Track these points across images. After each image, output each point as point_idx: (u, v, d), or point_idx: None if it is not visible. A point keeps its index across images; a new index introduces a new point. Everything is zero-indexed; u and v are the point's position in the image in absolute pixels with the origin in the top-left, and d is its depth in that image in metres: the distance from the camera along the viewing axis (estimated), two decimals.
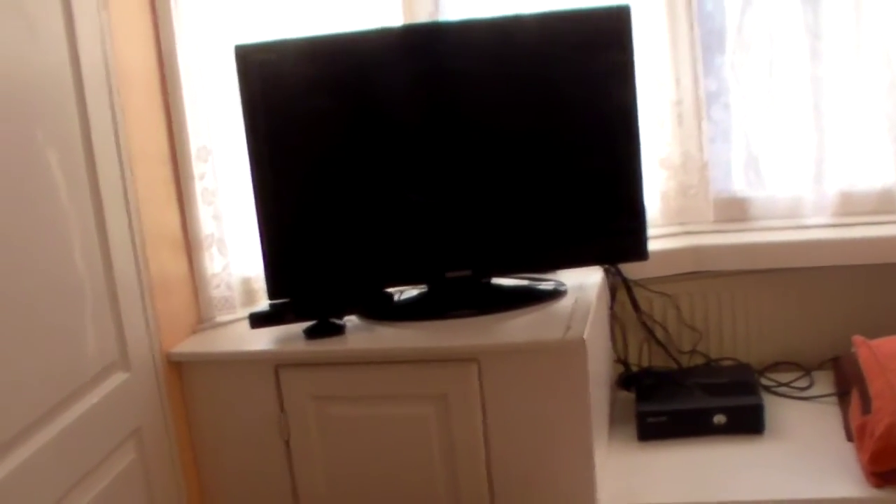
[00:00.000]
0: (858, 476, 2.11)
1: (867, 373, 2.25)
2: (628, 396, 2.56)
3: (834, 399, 2.46)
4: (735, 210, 2.73)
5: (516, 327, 2.23)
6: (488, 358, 2.15)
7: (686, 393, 2.45)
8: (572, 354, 2.10)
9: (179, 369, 2.32)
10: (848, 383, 2.38)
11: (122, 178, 2.11)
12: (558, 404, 2.13)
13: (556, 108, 2.33)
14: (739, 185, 2.72)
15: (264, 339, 2.31)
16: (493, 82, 2.33)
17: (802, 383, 2.58)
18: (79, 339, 1.94)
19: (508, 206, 2.35)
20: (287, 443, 2.29)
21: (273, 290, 2.36)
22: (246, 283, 2.54)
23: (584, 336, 2.09)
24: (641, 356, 2.74)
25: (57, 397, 1.86)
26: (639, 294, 2.69)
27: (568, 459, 2.15)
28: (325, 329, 2.30)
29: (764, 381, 2.58)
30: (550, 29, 2.31)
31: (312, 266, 2.38)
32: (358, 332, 2.31)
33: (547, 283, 2.48)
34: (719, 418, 2.36)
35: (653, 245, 2.56)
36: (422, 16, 2.61)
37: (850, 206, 2.64)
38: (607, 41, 2.29)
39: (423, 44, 2.33)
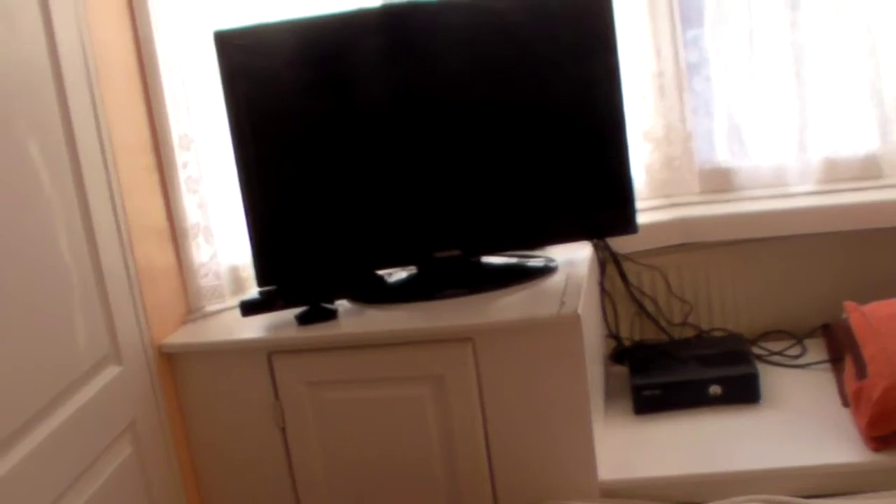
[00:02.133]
0: (857, 441, 2.11)
1: (860, 338, 2.25)
2: (622, 371, 2.56)
3: (827, 366, 2.47)
4: (720, 180, 2.73)
5: (509, 305, 2.21)
6: (483, 337, 2.14)
7: (680, 365, 2.45)
8: (568, 330, 2.09)
9: (171, 361, 2.29)
10: (841, 349, 2.39)
11: (105, 167, 2.08)
12: (555, 380, 2.12)
13: (539, 84, 2.32)
14: (723, 156, 2.71)
15: (256, 327, 2.29)
16: (474, 60, 2.31)
17: (795, 351, 2.58)
18: (70, 334, 1.91)
19: (495, 184, 2.34)
20: (283, 430, 2.27)
21: (262, 277, 2.34)
22: (234, 272, 2.52)
23: (579, 311, 2.09)
24: (633, 330, 2.74)
25: (51, 393, 1.83)
26: (628, 268, 2.68)
27: (567, 435, 2.14)
28: (316, 314, 2.28)
29: (756, 351, 2.58)
30: (531, 5, 2.29)
31: (301, 251, 2.35)
32: (350, 317, 2.29)
33: (537, 259, 2.47)
34: (715, 389, 2.36)
35: (640, 218, 2.54)
36: None
37: (834, 172, 2.64)
38: (588, 15, 2.28)
39: (403, 23, 2.31)
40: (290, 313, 2.30)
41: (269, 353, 2.23)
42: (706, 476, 2.12)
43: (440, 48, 2.31)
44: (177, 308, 2.37)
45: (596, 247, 2.58)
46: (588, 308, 2.29)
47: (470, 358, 2.14)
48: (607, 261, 2.65)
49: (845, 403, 2.26)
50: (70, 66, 1.99)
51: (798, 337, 2.64)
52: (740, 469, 2.11)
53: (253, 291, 2.36)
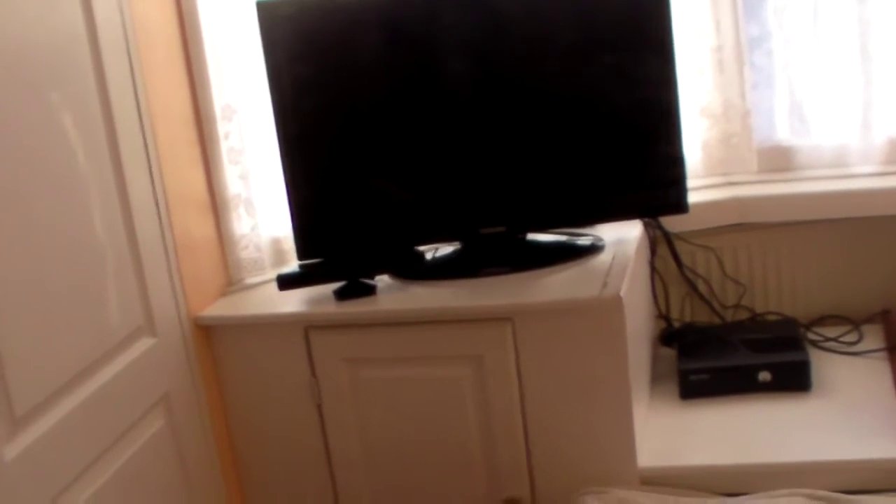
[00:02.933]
0: None
1: None
2: (670, 353, 2.49)
3: (884, 354, 2.39)
4: (779, 159, 2.64)
5: (552, 285, 2.17)
6: (522, 317, 2.09)
7: (729, 349, 2.38)
8: (609, 312, 2.04)
9: (208, 333, 2.28)
10: None
11: (143, 138, 2.07)
12: (596, 363, 2.07)
13: (591, 59, 2.27)
14: (783, 134, 2.62)
15: (294, 301, 2.27)
16: (526, 37, 2.27)
17: (851, 338, 2.50)
18: (102, 305, 1.91)
19: (543, 159, 2.29)
20: (319, 407, 2.25)
21: (302, 250, 2.32)
22: (276, 244, 2.49)
23: (622, 293, 2.03)
24: (684, 311, 2.67)
25: (82, 364, 1.83)
26: (680, 248, 2.61)
27: (606, 420, 2.10)
28: (355, 290, 2.25)
29: (811, 336, 2.51)
30: None
31: (342, 225, 2.33)
32: (389, 293, 2.26)
33: (584, 238, 2.41)
34: (764, 375, 2.29)
35: (694, 197, 2.49)
36: None
37: None
38: None
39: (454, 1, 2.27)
40: (328, 288, 2.27)
41: (306, 327, 2.21)
42: (747, 467, 2.07)
43: (490, 26, 2.26)
44: (216, 280, 2.36)
45: (647, 226, 2.52)
46: (635, 289, 2.24)
47: (509, 338, 2.10)
48: (659, 240, 2.58)
49: None
50: (108, 37, 1.98)
51: (856, 323, 2.55)
52: (784, 461, 2.05)
53: (294, 265, 2.33)
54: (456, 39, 2.27)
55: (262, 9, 2.23)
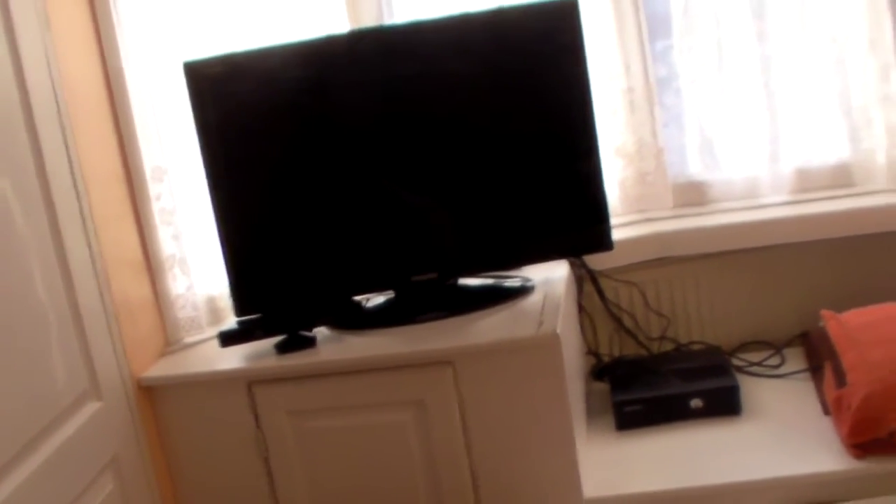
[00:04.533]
0: (839, 449, 2.12)
1: (839, 346, 2.26)
2: (603, 387, 2.55)
3: (807, 375, 2.47)
4: (693, 194, 2.73)
5: (488, 327, 2.21)
6: (463, 359, 2.13)
7: (660, 380, 2.45)
8: (547, 349, 2.10)
9: (151, 394, 2.28)
10: (819, 358, 2.39)
11: (79, 201, 2.08)
12: (537, 400, 2.12)
13: (510, 104, 2.32)
14: (696, 169, 2.72)
15: (235, 357, 2.28)
16: (445, 83, 2.32)
17: (774, 361, 2.58)
18: (48, 370, 1.91)
19: (470, 206, 2.34)
20: (266, 459, 2.26)
21: (240, 306, 2.33)
22: (211, 302, 2.51)
23: (558, 330, 2.09)
24: (612, 346, 2.73)
25: (30, 432, 1.82)
26: (605, 284, 2.68)
27: (551, 455, 2.14)
28: (295, 342, 2.27)
29: (735, 362, 2.58)
30: (500, 26, 2.30)
31: (278, 280, 2.35)
32: (329, 343, 2.29)
33: (514, 280, 2.47)
34: (696, 402, 2.36)
35: (615, 234, 2.55)
36: (367, 20, 2.59)
37: (806, 182, 2.65)
38: (557, 35, 2.29)
39: (373, 48, 2.32)
40: (269, 342, 2.29)
41: (249, 382, 2.22)
42: (690, 490, 2.12)
43: (409, 72, 2.31)
44: (155, 341, 2.36)
45: (572, 265, 2.58)
46: (566, 326, 2.29)
47: (450, 381, 2.14)
48: (584, 278, 2.64)
49: (826, 412, 2.27)
50: (40, 99, 1.99)
51: (777, 347, 2.64)
52: (723, 482, 2.11)
53: (231, 321, 2.35)
54: (378, 89, 2.31)
55: (189, 68, 2.26)
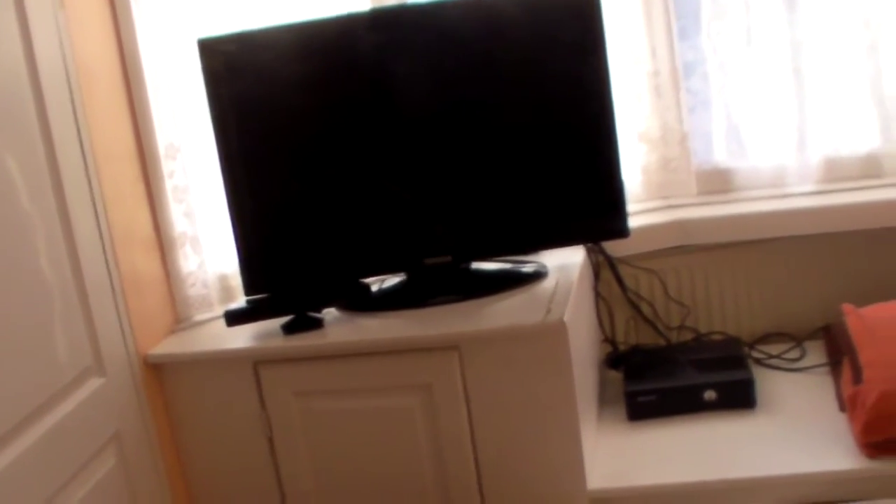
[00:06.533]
0: (852, 447, 2.07)
1: (857, 342, 2.21)
2: (617, 376, 2.53)
3: (826, 369, 2.43)
4: (718, 181, 2.69)
5: (497, 312, 2.19)
6: (469, 345, 2.11)
7: (675, 370, 2.42)
8: (553, 337, 2.07)
9: (158, 371, 2.28)
10: (839, 352, 2.35)
11: (87, 178, 2.08)
12: (542, 388, 2.09)
13: (528, 87, 2.29)
14: (721, 156, 2.68)
15: (242, 337, 2.27)
16: (463, 64, 2.29)
17: (794, 354, 2.54)
18: (50, 346, 1.91)
19: (486, 189, 2.32)
20: (270, 440, 2.25)
21: (249, 285, 2.33)
22: (223, 280, 2.51)
23: (565, 318, 2.06)
24: (629, 334, 2.70)
25: (31, 406, 1.82)
26: (624, 271, 2.65)
27: (555, 443, 2.11)
28: (303, 323, 2.26)
29: (755, 354, 2.55)
30: (521, 9, 2.26)
31: (288, 260, 2.34)
32: (337, 325, 2.28)
33: (528, 265, 2.44)
34: (710, 394, 2.32)
35: (636, 220, 2.53)
36: None
37: (834, 172, 2.60)
38: (577, 16, 2.25)
39: (391, 28, 2.29)
40: (277, 322, 2.28)
41: (255, 362, 2.22)
42: (698, 484, 2.09)
43: (429, 52, 2.29)
44: (164, 318, 2.36)
45: (590, 251, 2.55)
46: (580, 313, 2.26)
47: (456, 366, 2.12)
48: (602, 265, 2.61)
49: (842, 408, 2.22)
50: (50, 77, 1.98)
51: (798, 339, 2.60)
52: (733, 477, 2.07)
53: (241, 300, 2.34)
54: (398, 70, 2.29)
55: (203, 45, 2.25)
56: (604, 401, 2.49)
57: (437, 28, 2.29)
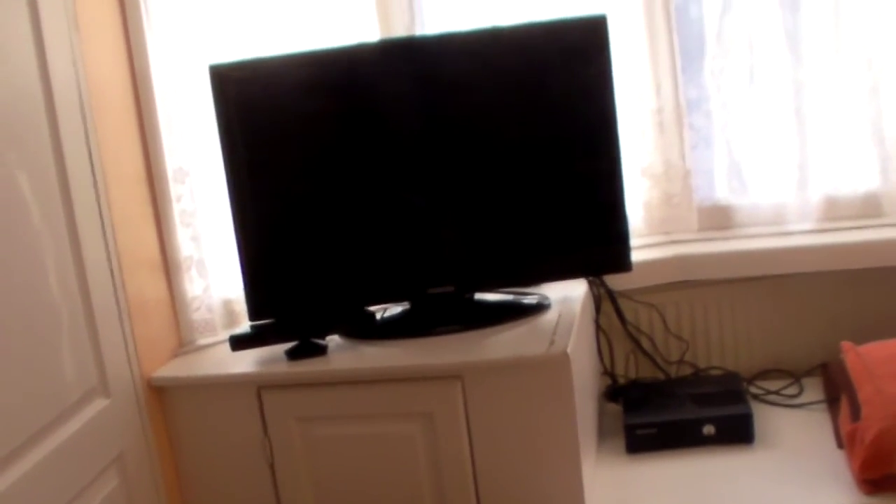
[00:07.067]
0: (850, 483, 2.08)
1: (855, 379, 2.23)
2: (616, 409, 2.54)
3: (824, 406, 2.44)
4: (719, 218, 2.71)
5: (500, 343, 2.20)
6: (472, 375, 2.12)
7: (674, 404, 2.43)
8: (556, 368, 2.08)
9: (161, 394, 2.29)
10: (837, 389, 2.36)
11: (97, 199, 2.09)
12: (544, 419, 2.10)
13: (535, 120, 2.31)
14: (723, 193, 2.70)
15: (246, 362, 2.28)
16: (471, 96, 2.31)
17: (792, 390, 2.55)
18: (56, 366, 1.92)
19: (490, 220, 2.33)
20: (272, 466, 2.26)
21: (254, 311, 2.34)
22: (227, 305, 2.52)
23: (568, 350, 2.07)
24: (628, 367, 2.72)
25: (36, 426, 1.83)
26: (624, 305, 2.66)
27: (556, 475, 2.12)
28: (306, 349, 2.27)
29: (753, 390, 2.56)
30: (528, 42, 2.29)
31: (293, 286, 2.35)
32: (340, 352, 2.29)
33: (531, 297, 2.46)
34: (708, 429, 2.34)
35: (637, 255, 2.55)
36: (398, 29, 2.60)
37: (834, 211, 2.62)
38: (585, 52, 2.27)
39: (401, 58, 2.31)
40: (280, 348, 2.29)
41: (259, 387, 2.23)
42: None
43: (436, 85, 2.31)
44: (168, 341, 2.37)
45: (592, 284, 2.57)
46: (581, 346, 2.28)
47: (459, 396, 2.13)
48: (603, 298, 2.63)
49: (840, 445, 2.24)
50: (63, 98, 2.01)
51: (796, 376, 2.61)
52: None
53: (245, 325, 2.35)
54: (405, 102, 2.31)
55: (215, 72, 2.27)
56: (602, 433, 2.50)
57: (445, 61, 2.31)
